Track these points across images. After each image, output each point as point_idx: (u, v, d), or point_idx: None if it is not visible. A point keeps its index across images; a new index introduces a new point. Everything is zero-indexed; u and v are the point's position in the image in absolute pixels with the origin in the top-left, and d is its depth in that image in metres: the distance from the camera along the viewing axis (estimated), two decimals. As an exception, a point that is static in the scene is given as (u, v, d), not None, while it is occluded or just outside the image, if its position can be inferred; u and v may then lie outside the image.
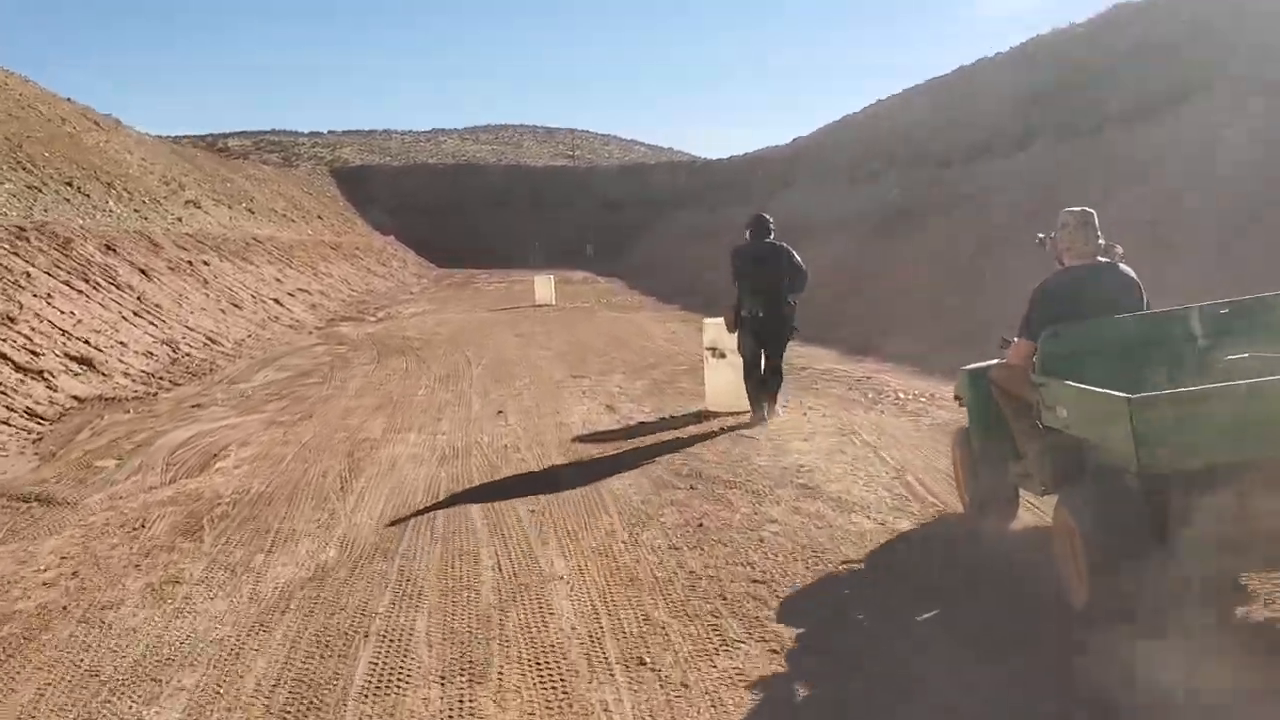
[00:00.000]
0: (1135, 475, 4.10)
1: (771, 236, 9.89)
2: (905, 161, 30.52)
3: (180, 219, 30.07)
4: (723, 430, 9.32)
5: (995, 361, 5.62)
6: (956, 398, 6.39)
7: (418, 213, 70.40)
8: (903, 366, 12.88)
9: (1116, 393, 4.10)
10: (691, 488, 7.18)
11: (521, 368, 15.26)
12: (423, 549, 6.02)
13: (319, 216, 57.58)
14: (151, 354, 15.16)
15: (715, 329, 10.27)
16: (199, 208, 35.06)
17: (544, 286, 31.03)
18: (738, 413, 9.97)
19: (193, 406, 12.31)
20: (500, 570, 5.55)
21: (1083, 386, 4.44)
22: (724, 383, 10.17)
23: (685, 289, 32.32)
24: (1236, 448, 3.99)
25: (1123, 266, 5.23)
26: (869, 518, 6.31)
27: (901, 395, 10.69)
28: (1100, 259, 5.21)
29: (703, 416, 10.09)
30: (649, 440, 9.11)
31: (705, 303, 27.12)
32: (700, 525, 6.22)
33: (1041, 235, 5.49)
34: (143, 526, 6.74)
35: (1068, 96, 22.32)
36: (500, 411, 11.06)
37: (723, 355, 10.21)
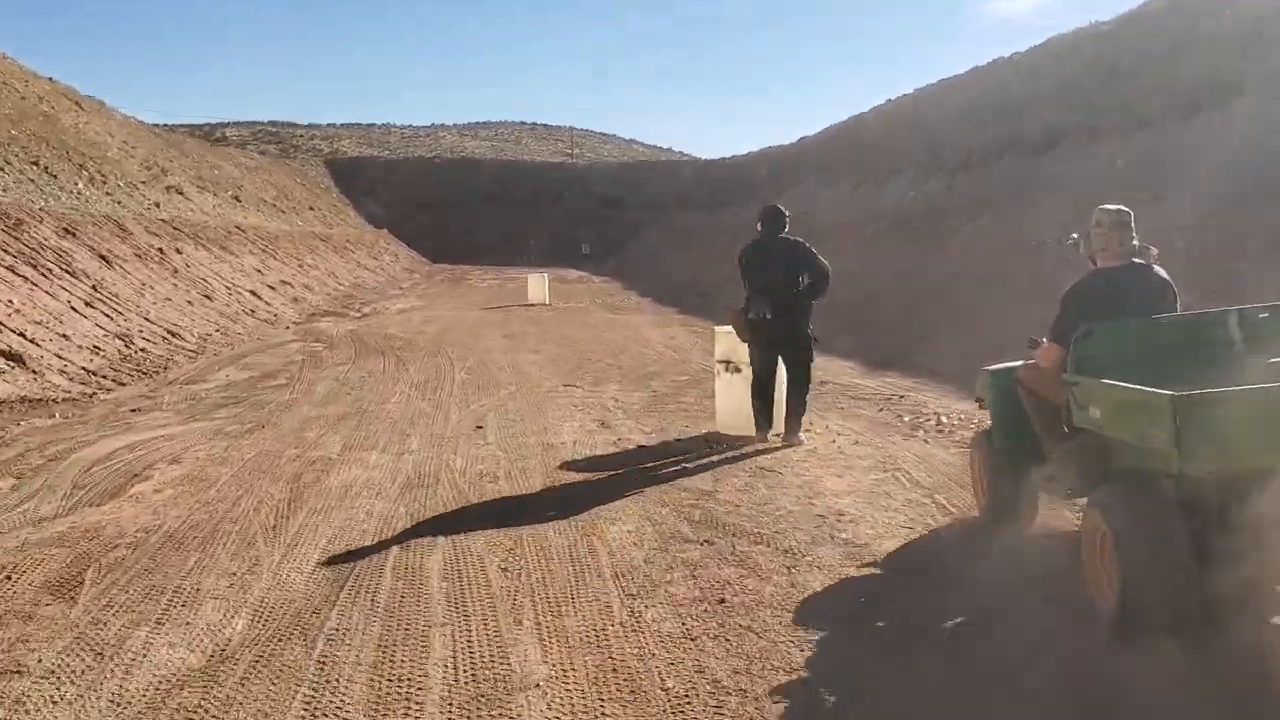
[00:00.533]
0: (1174, 478, 4.02)
1: (786, 231, 8.47)
2: (921, 162, 29.13)
3: (158, 204, 28.59)
4: (737, 459, 7.89)
5: (1020, 362, 5.55)
6: (978, 399, 6.27)
7: (413, 207, 69.06)
8: (937, 383, 11.45)
9: (1159, 390, 3.96)
10: (707, 542, 5.74)
11: (508, 373, 13.83)
12: (357, 627, 4.58)
13: (310, 207, 56.15)
14: (98, 349, 13.70)
15: (728, 339, 8.85)
16: (181, 194, 33.58)
17: (537, 285, 29.60)
18: (752, 438, 8.56)
19: (131, 411, 10.86)
20: (454, 668, 4.12)
21: (1122, 384, 4.29)
22: (737, 402, 8.75)
23: (685, 291, 30.91)
24: None
25: (1157, 268, 5.12)
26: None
27: (944, 419, 9.25)
28: (1135, 260, 5.08)
29: (712, 441, 8.66)
30: (650, 470, 7.68)
31: (706, 306, 25.73)
32: (722, 601, 4.79)
33: (1075, 236, 5.30)
34: (7, 578, 5.29)
35: (1098, 95, 20.96)
36: (480, 426, 9.62)
37: (737, 370, 8.79)
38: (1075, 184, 17.62)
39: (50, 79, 35.44)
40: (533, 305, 28.20)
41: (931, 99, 36.45)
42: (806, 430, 8.49)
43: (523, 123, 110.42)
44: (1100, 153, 18.51)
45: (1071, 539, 5.06)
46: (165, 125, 67.32)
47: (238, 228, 32.99)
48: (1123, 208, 5.12)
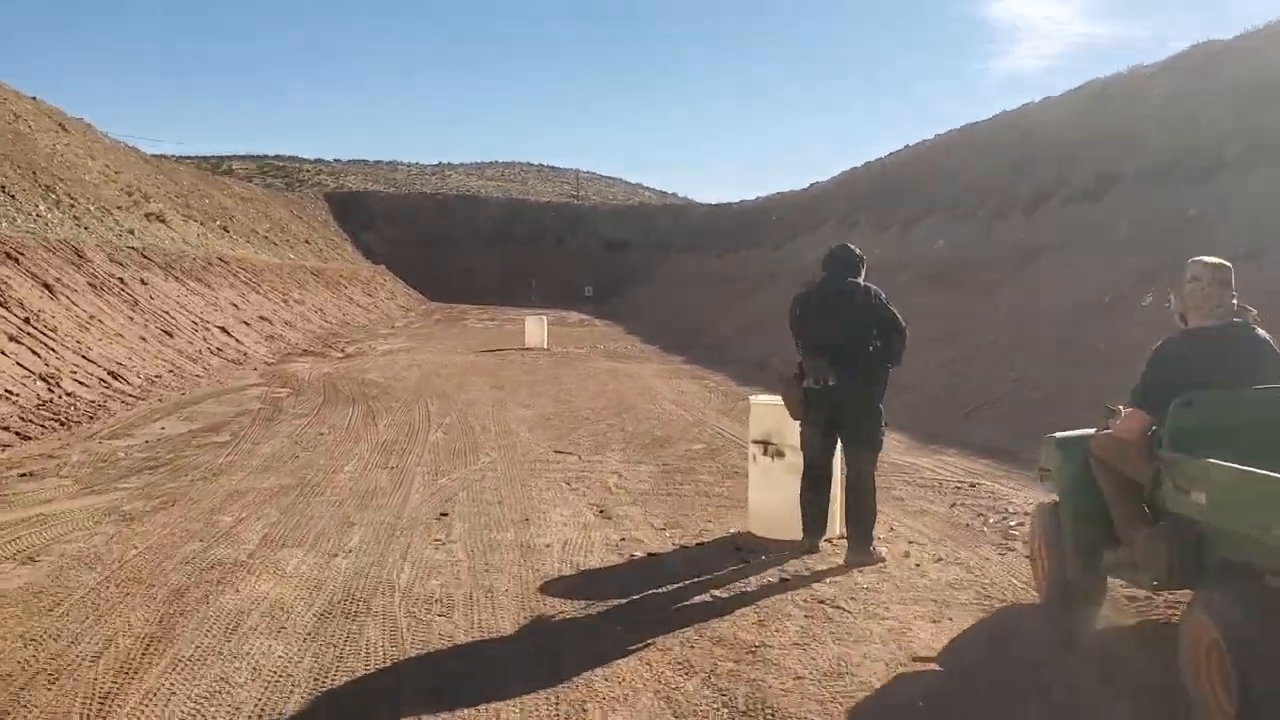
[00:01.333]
0: None
1: (860, 276, 6.45)
2: (950, 208, 27.22)
3: (133, 231, 26.65)
4: (786, 585, 5.79)
5: (1093, 431, 5.04)
6: (1041, 470, 5.65)
7: (413, 244, 67.38)
8: (1011, 467, 9.37)
9: None
10: (762, 755, 3.65)
11: (492, 434, 11.76)
12: None
13: (305, 241, 54.46)
14: (10, 394, 11.63)
15: (770, 415, 6.77)
16: (163, 222, 31.71)
17: (535, 328, 27.58)
18: (796, 543, 6.47)
19: (21, 476, 8.79)
20: None
21: (1244, 468, 3.76)
22: (779, 497, 6.65)
23: (692, 338, 28.95)
24: None
25: (1259, 330, 4.62)
26: None
27: (1042, 524, 7.17)
28: (1234, 320, 4.58)
29: (745, 548, 6.57)
30: (667, 598, 5.58)
31: (715, 357, 23.71)
32: None
33: (1171, 292, 4.85)
34: None
35: (1155, 136, 19.06)
36: (444, 514, 7.53)
37: (779, 454, 6.70)
38: (1138, 233, 15.64)
39: (34, 98, 33.74)
40: (530, 350, 26.17)
41: (954, 144, 34.71)
42: (875, 546, 6.34)
43: (529, 164, 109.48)
44: (1163, 198, 16.52)
45: (1144, 630, 4.93)
46: (173, 156, 66.21)
47: (220, 259, 31.08)
48: (1223, 261, 4.63)
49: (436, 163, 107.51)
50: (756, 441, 6.85)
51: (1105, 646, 4.87)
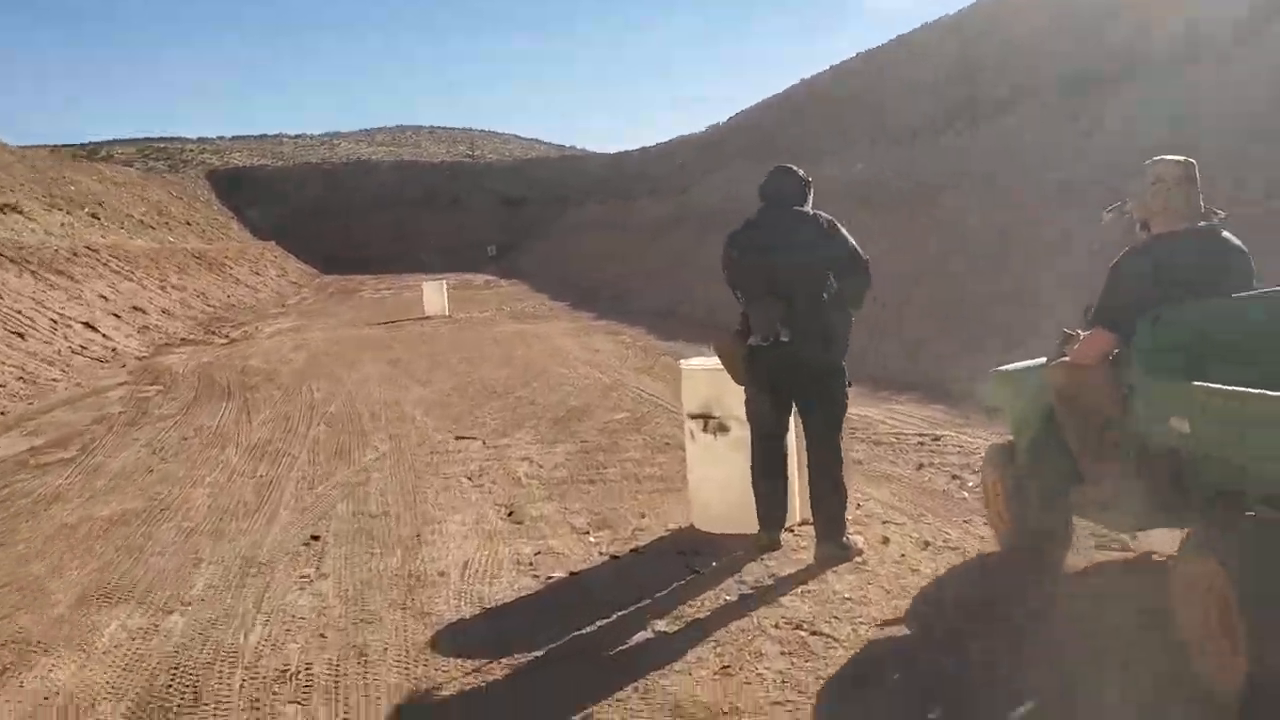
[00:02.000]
0: None
1: (807, 205, 5.17)
2: (863, 136, 26.18)
3: (-20, 225, 24.36)
4: (747, 600, 4.53)
5: (1045, 361, 4.57)
6: (990, 408, 5.44)
7: (302, 217, 64.63)
8: (966, 411, 8.25)
9: None
10: None
11: (383, 422, 10.34)
12: None
13: (186, 222, 51.75)
14: None
15: (707, 382, 5.48)
16: (19, 213, 29.28)
17: (435, 294, 25.95)
18: (754, 539, 5.23)
19: None
20: None
21: (1238, 390, 3.30)
22: (726, 482, 5.39)
23: (601, 292, 27.63)
24: None
25: (1226, 233, 4.18)
26: None
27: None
28: (1202, 224, 4.14)
29: (690, 550, 5.31)
30: (594, 638, 4.28)
31: (626, 309, 22.42)
32: None
33: (1120, 202, 4.39)
34: None
35: (1065, 53, 18.14)
36: (316, 538, 6.13)
37: (722, 429, 5.43)
38: (1052, 149, 14.65)
39: None
40: (430, 318, 24.57)
41: (852, 74, 33.71)
42: (849, 538, 5.09)
43: (421, 126, 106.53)
44: (1085, 112, 15.56)
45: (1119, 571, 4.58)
46: (46, 146, 62.45)
47: (89, 248, 28.74)
48: (1188, 159, 4.20)
49: (324, 133, 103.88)
50: (694, 416, 5.55)
51: (1081, 595, 4.40)
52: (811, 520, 5.20)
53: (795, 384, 4.96)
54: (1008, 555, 4.87)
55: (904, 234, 15.20)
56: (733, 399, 5.27)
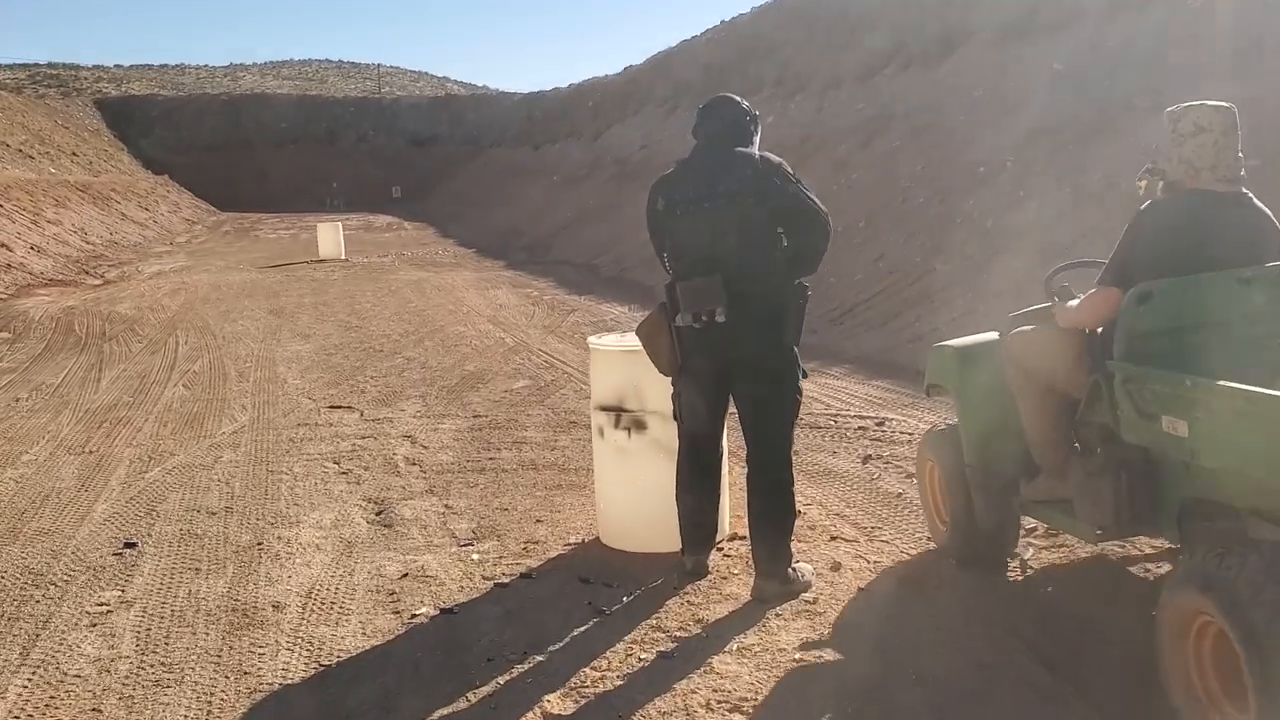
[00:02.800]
0: None
1: (752, 146, 4.08)
2: (774, 85, 25.16)
3: None
4: (667, 658, 3.48)
5: (992, 336, 4.10)
6: (930, 386, 4.37)
7: (199, 150, 61.72)
8: (909, 389, 7.31)
9: None
10: None
11: (250, 383, 9.09)
12: None
13: (72, 153, 48.70)
14: None
15: (622, 366, 4.38)
16: None
17: (330, 236, 24.41)
18: (674, 559, 4.20)
19: None
20: None
21: (1268, 393, 2.63)
22: (641, 492, 4.33)
23: (510, 240, 26.33)
24: None
25: (1256, 200, 3.44)
26: None
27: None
28: (1243, 189, 3.40)
29: (595, 578, 4.24)
30: (466, 717, 3.23)
31: (535, 261, 21.19)
32: None
33: (1150, 167, 3.45)
34: None
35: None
36: (130, 546, 4.92)
37: (640, 426, 4.35)
38: (994, 96, 13.77)
39: None
40: (324, 262, 23.03)
41: (771, 17, 32.61)
42: (798, 572, 4.05)
43: (329, 60, 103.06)
44: (1029, 54, 14.69)
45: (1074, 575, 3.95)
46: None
47: (-51, 177, 26.45)
48: (1230, 105, 3.35)
49: (228, 64, 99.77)
50: (604, 408, 4.46)
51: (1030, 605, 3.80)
52: (745, 538, 4.19)
53: (735, 375, 3.91)
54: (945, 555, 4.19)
55: (825, 186, 14.24)
56: (654, 389, 4.21)
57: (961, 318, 8.27)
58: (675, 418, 4.06)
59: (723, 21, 39.41)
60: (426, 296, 15.52)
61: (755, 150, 3.98)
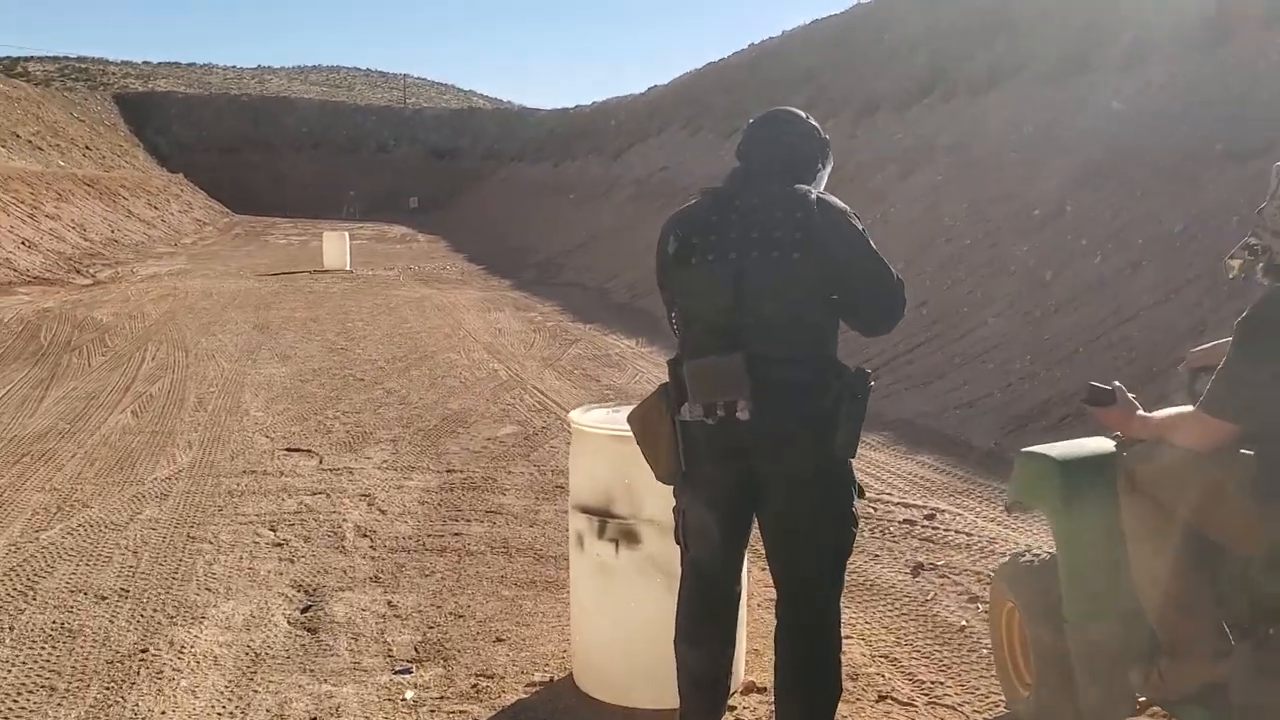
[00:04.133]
0: None
1: (817, 181, 2.97)
2: (806, 109, 24.05)
3: None
4: None
5: (1111, 440, 2.92)
6: (1011, 504, 3.29)
7: (217, 151, 61.09)
8: (963, 469, 6.21)
9: None
10: None
11: (208, 413, 8.06)
12: None
13: (86, 147, 47.99)
14: None
15: (612, 454, 3.29)
16: None
17: (336, 246, 23.40)
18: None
19: None
20: None
21: None
22: (626, 626, 3.25)
23: (522, 258, 25.30)
24: None
25: None
26: None
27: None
28: None
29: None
30: None
31: (545, 281, 20.16)
32: None
33: (1251, 242, 2.59)
34: None
35: (1053, 29, 16.22)
36: (-22, 643, 3.89)
37: (632, 539, 3.26)
38: (1044, 131, 12.68)
39: None
40: (327, 272, 22.06)
41: (805, 40, 31.73)
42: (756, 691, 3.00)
43: (356, 68, 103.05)
44: (1085, 91, 13.60)
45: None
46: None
47: (-53, 165, 25.60)
48: None
49: (255, 66, 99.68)
50: (586, 510, 3.38)
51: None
52: (766, 691, 3.11)
53: (761, 492, 2.83)
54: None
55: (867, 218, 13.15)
56: (653, 490, 3.11)
57: (1020, 383, 7.17)
58: (677, 540, 2.97)
59: (751, 44, 38.65)
60: (425, 316, 14.49)
61: (815, 190, 2.90)
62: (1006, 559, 3.37)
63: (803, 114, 3.06)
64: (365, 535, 5.19)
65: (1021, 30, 17.03)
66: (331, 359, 10.74)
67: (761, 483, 2.81)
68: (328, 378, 9.65)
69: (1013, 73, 16.03)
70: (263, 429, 7.56)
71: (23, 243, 22.87)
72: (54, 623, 4.06)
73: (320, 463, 6.63)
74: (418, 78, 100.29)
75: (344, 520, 5.41)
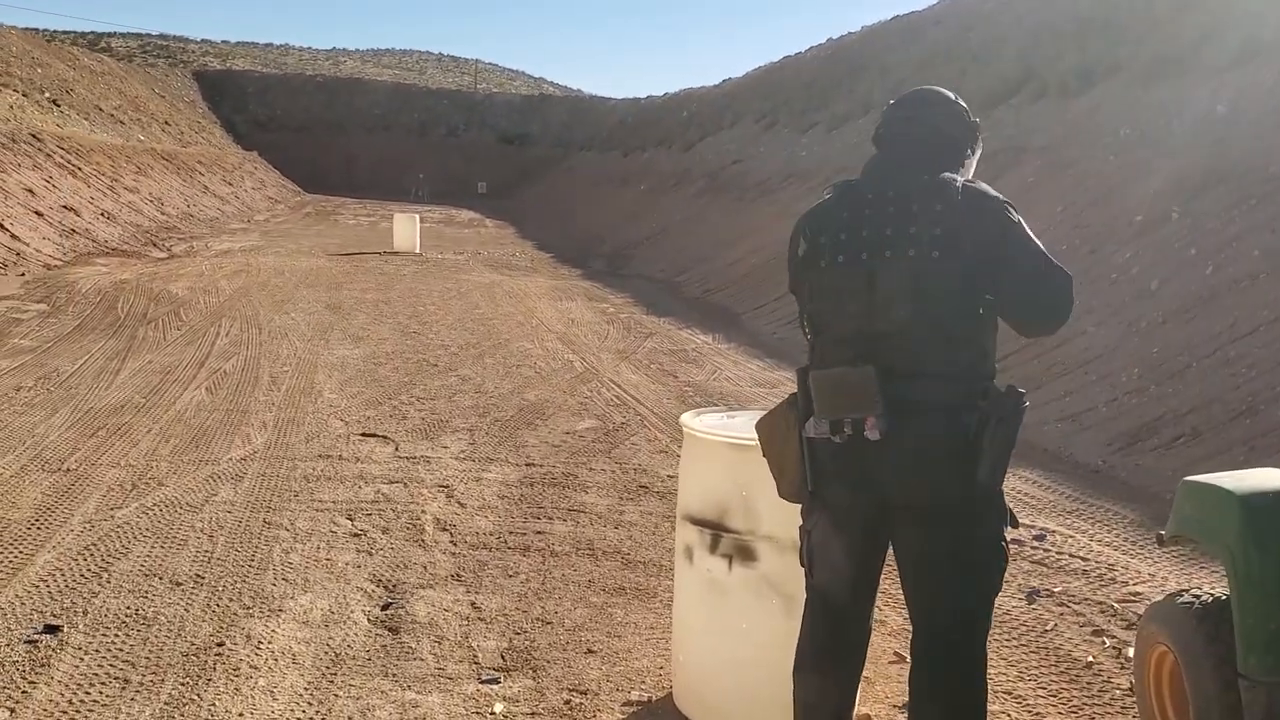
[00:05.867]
0: None
1: (965, 169, 2.71)
2: (881, 106, 23.63)
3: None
4: None
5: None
6: (1164, 537, 2.93)
7: (291, 130, 61.78)
8: (1071, 485, 5.86)
9: None
10: None
11: (282, 392, 7.96)
12: None
13: (165, 122, 48.64)
14: None
15: (730, 463, 3.04)
16: (-44, 87, 26.55)
17: (405, 228, 23.36)
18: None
19: None
20: None
21: None
22: (736, 649, 3.01)
23: (591, 247, 25.14)
24: None
25: None
26: None
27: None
28: None
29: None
30: None
31: (614, 273, 19.95)
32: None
33: None
34: None
35: (1150, 27, 15.65)
36: (53, 629, 3.74)
37: (747, 556, 3.02)
38: (1163, 136, 12.19)
39: None
40: (397, 254, 22.03)
41: (886, 36, 31.18)
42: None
43: (428, 52, 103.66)
44: (1184, 93, 13.07)
45: None
46: (44, 31, 59.53)
47: (34, 135, 25.96)
48: None
49: (330, 48, 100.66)
50: (697, 521, 3.14)
51: None
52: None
53: (897, 519, 2.57)
54: None
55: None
56: (772, 504, 2.86)
57: (1127, 398, 6.80)
58: (802, 563, 2.72)
59: (830, 39, 38.11)
60: (496, 303, 14.34)
61: (962, 178, 2.63)
62: (1161, 598, 3.06)
63: (950, 93, 2.78)
64: (445, 529, 5.00)
65: (1114, 30, 16.48)
66: (404, 343, 10.61)
67: (895, 509, 2.55)
68: (401, 361, 9.51)
69: (1107, 74, 15.49)
70: (337, 412, 7.42)
71: (102, 214, 23.16)
72: (128, 609, 3.91)
73: (396, 450, 6.46)
74: (489, 63, 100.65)
75: (423, 512, 5.23)
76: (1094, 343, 7.83)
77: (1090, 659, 3.71)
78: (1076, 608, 4.16)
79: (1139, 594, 4.21)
